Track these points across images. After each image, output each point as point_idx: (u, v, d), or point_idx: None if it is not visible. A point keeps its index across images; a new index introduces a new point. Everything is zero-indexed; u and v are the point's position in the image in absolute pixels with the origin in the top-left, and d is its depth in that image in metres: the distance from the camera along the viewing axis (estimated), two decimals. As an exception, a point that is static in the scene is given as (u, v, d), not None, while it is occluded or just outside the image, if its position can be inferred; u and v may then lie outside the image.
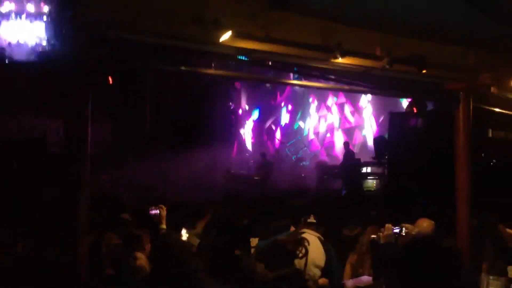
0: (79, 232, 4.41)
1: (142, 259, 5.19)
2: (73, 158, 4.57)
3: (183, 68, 4.80)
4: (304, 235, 5.82)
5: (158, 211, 5.81)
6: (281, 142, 19.84)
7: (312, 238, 5.88)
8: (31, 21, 4.21)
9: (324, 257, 5.82)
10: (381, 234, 4.82)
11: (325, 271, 5.76)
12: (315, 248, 5.83)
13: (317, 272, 5.78)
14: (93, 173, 4.65)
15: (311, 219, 5.99)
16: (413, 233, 4.80)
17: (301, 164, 18.69)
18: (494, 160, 11.19)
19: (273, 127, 20.35)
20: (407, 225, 4.91)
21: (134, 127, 19.04)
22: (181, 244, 4.33)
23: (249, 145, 20.43)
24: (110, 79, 4.86)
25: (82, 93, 4.61)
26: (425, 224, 6.03)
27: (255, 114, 20.57)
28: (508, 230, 7.86)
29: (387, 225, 4.86)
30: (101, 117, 17.93)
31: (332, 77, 6.35)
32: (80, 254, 4.40)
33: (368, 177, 16.13)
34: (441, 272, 2.07)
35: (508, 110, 7.52)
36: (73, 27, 4.21)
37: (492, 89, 6.51)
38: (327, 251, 5.88)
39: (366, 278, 4.82)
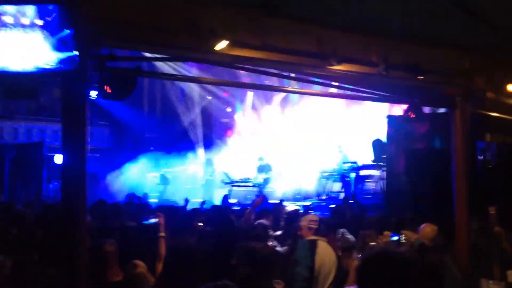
0: (78, 236, 4.39)
1: (141, 266, 5.14)
2: (71, 161, 4.54)
3: (180, 76, 4.79)
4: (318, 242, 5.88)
5: (157, 219, 5.83)
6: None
7: (324, 245, 5.93)
8: (26, 32, 4.23)
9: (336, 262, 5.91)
10: (379, 241, 4.83)
11: None
12: (330, 254, 5.90)
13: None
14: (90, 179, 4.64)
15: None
16: (412, 240, 4.79)
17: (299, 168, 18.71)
18: (492, 163, 11.21)
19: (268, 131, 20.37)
20: (406, 232, 4.91)
21: (133, 132, 19.12)
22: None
23: (247, 149, 20.44)
24: (107, 88, 4.84)
25: (79, 99, 4.59)
26: (428, 230, 6.03)
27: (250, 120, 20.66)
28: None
29: (385, 232, 4.87)
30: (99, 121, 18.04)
31: (329, 83, 6.37)
32: (80, 261, 4.36)
33: (366, 180, 16.13)
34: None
35: (505, 114, 7.54)
36: (70, 37, 4.22)
37: (488, 93, 6.53)
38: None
39: None
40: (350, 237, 5.86)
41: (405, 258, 2.08)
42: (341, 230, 5.64)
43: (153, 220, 5.90)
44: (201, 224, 6.73)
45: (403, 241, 4.80)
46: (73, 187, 4.43)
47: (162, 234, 5.81)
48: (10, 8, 4.16)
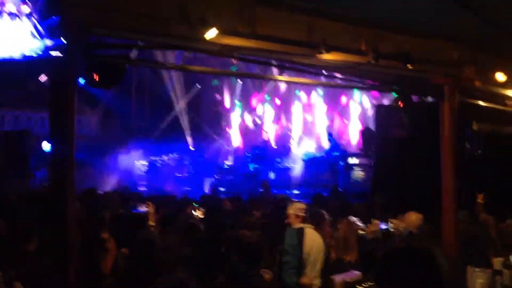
0: (67, 227, 4.38)
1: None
2: (59, 149, 4.51)
3: (168, 65, 4.76)
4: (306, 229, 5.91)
5: (146, 208, 5.82)
6: (269, 134, 19.86)
7: (311, 232, 5.97)
8: (13, 19, 4.17)
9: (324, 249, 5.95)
10: (368, 229, 4.86)
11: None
12: (318, 241, 5.93)
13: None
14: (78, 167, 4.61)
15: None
16: (400, 228, 4.84)
17: (289, 156, 18.75)
18: (479, 151, 11.29)
19: (259, 121, 20.36)
20: (394, 221, 4.95)
21: (121, 120, 19.02)
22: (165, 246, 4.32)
23: (236, 139, 20.44)
24: (96, 76, 4.81)
25: (67, 85, 4.56)
26: (413, 218, 6.08)
27: (238, 109, 20.62)
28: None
29: (373, 220, 4.90)
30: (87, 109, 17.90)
31: (318, 72, 6.37)
32: (70, 250, 4.35)
33: (355, 168, 16.20)
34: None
35: (493, 103, 7.60)
36: (58, 24, 4.17)
37: (477, 83, 6.57)
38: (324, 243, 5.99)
39: (354, 273, 4.86)
40: (362, 226, 5.80)
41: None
42: (354, 218, 5.60)
43: (142, 209, 5.90)
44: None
45: (392, 229, 4.84)
46: (61, 175, 4.41)
47: (152, 223, 5.82)
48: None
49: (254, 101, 20.42)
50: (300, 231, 5.96)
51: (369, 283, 4.34)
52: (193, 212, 6.19)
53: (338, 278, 4.61)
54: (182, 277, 2.34)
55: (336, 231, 6.01)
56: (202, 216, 6.19)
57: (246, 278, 4.23)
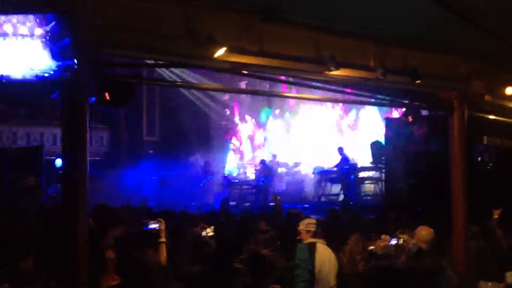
0: (78, 241, 4.40)
1: None
2: (71, 165, 4.56)
3: (178, 83, 4.82)
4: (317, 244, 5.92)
5: (157, 225, 5.81)
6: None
7: (323, 247, 5.97)
8: (26, 41, 4.26)
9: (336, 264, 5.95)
10: (378, 244, 4.85)
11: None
12: (329, 256, 5.93)
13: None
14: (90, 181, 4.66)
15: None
16: (410, 244, 4.82)
17: (298, 170, 18.73)
18: (490, 165, 11.23)
19: (266, 135, 20.42)
20: (404, 236, 4.93)
21: (132, 136, 19.13)
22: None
23: (246, 152, 20.50)
24: (107, 95, 4.88)
25: (79, 104, 4.62)
26: (423, 232, 6.04)
27: (249, 123, 20.70)
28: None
29: (383, 236, 4.89)
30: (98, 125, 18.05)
31: (327, 87, 6.40)
32: (80, 263, 4.38)
33: (365, 182, 16.15)
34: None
35: (503, 117, 7.58)
36: (69, 45, 4.25)
37: (486, 97, 6.58)
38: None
39: None
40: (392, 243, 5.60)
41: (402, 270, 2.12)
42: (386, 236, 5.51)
43: (153, 226, 5.88)
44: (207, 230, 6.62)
45: (401, 245, 4.81)
46: (73, 191, 4.46)
47: (163, 239, 5.82)
48: (9, 18, 4.20)
49: (263, 115, 20.49)
50: (311, 246, 5.97)
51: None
52: (202, 232, 6.18)
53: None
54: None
55: (345, 246, 6.00)
56: (212, 234, 6.18)
57: None
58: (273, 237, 6.41)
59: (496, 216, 7.93)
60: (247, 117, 20.66)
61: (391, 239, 4.86)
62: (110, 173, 16.97)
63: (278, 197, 10.36)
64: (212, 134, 20.47)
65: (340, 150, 17.32)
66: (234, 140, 20.73)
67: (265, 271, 4.31)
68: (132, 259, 4.39)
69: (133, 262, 4.29)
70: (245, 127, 20.68)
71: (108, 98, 4.99)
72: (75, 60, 4.35)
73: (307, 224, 6.21)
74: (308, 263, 5.86)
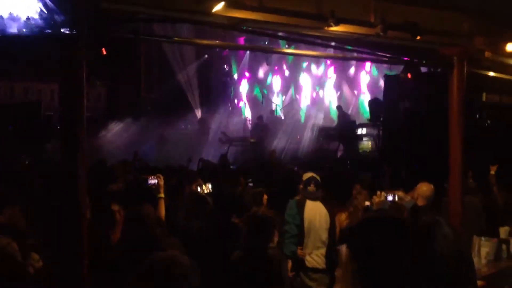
0: (79, 198, 4.44)
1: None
2: (69, 121, 4.57)
3: (176, 39, 4.77)
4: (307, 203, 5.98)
5: (156, 181, 5.85)
6: (276, 104, 19.84)
7: (312, 203, 6.05)
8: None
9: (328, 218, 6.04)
10: (373, 200, 4.92)
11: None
12: (320, 211, 6.01)
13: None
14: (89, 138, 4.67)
15: (312, 188, 6.10)
16: (406, 200, 4.89)
17: (296, 126, 18.74)
18: (488, 122, 11.27)
19: (266, 91, 20.33)
20: (399, 193, 5.00)
21: (129, 93, 19.05)
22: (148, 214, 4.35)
23: (244, 108, 20.46)
24: (104, 50, 4.84)
25: (76, 60, 4.59)
26: (424, 188, 6.14)
27: (246, 80, 20.57)
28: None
29: (379, 192, 4.95)
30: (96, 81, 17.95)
31: (327, 43, 6.34)
32: (81, 221, 4.43)
33: (363, 139, 16.20)
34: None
35: (502, 74, 7.55)
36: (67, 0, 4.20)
37: (486, 53, 6.52)
38: (331, 216, 6.08)
39: None
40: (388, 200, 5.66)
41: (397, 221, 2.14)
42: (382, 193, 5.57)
43: (152, 181, 5.92)
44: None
45: (397, 201, 4.88)
46: (72, 148, 4.47)
47: (162, 195, 5.88)
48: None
49: (261, 72, 20.35)
50: (301, 201, 6.05)
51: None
52: (198, 188, 6.18)
53: (344, 247, 4.65)
54: (174, 254, 2.36)
55: (353, 199, 6.07)
56: (209, 191, 6.20)
57: (263, 252, 4.26)
58: (260, 192, 6.44)
59: (492, 172, 8.02)
60: (247, 74, 20.54)
61: (387, 195, 4.92)
62: (108, 130, 16.99)
63: (274, 153, 10.44)
64: (211, 91, 20.39)
65: (339, 108, 17.32)
66: (233, 96, 20.66)
67: (267, 233, 4.35)
68: (131, 214, 4.45)
69: (133, 216, 4.35)
70: (244, 83, 20.58)
71: (105, 53, 4.96)
72: (73, 15, 4.31)
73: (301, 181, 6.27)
74: (296, 219, 5.97)
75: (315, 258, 6.00)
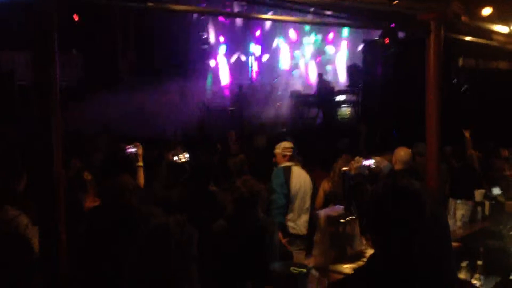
0: (54, 170, 4.38)
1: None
2: (42, 90, 4.48)
3: (150, 4, 4.65)
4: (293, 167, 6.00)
5: (135, 149, 5.81)
6: (256, 72, 19.73)
7: (298, 170, 6.06)
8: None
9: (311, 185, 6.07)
10: (351, 165, 4.94)
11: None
12: (305, 178, 6.03)
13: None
14: (63, 108, 4.58)
15: (289, 152, 6.13)
16: (382, 166, 4.93)
17: (276, 94, 18.71)
18: (465, 86, 11.36)
19: (245, 59, 20.16)
20: (377, 158, 5.04)
21: (106, 62, 18.73)
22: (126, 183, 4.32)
23: (223, 76, 20.30)
24: (76, 16, 4.72)
25: (47, 26, 4.47)
26: (402, 153, 6.20)
27: (224, 47, 20.34)
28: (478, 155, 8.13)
29: (357, 157, 4.98)
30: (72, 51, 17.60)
31: (304, 8, 6.26)
32: (57, 193, 4.38)
33: (342, 105, 16.26)
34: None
35: (479, 39, 7.56)
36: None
37: (463, 18, 6.51)
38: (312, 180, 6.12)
39: (338, 208, 4.98)
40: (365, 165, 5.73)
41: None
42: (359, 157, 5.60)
43: (131, 150, 5.88)
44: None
45: (374, 166, 4.92)
46: (46, 117, 4.39)
47: (140, 163, 5.85)
48: None
49: (240, 38, 20.15)
50: (287, 169, 6.05)
51: (351, 217, 4.46)
52: (174, 158, 6.14)
53: (323, 212, 4.72)
54: (167, 222, 2.30)
55: (335, 164, 6.10)
56: (185, 160, 6.16)
57: (255, 221, 4.25)
58: (242, 160, 6.45)
59: (468, 135, 8.11)
60: (221, 38, 20.30)
61: (364, 160, 4.96)
62: (85, 100, 16.76)
63: (247, 122, 10.49)
64: (189, 59, 20.16)
65: (320, 75, 17.32)
66: (212, 64, 20.47)
67: (259, 202, 4.33)
68: (110, 182, 4.42)
69: (111, 184, 4.32)
70: (223, 50, 20.37)
71: (77, 19, 4.85)
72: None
73: (283, 148, 6.25)
74: (284, 187, 5.95)
75: (299, 225, 6.04)
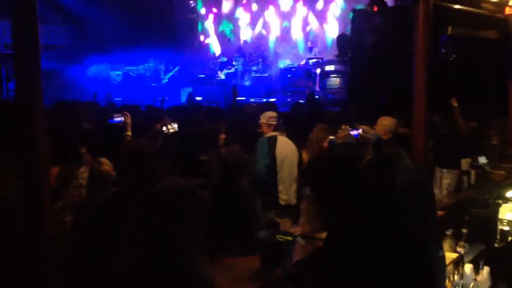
0: (38, 141, 4.31)
1: (107, 164, 5.14)
2: (23, 58, 4.38)
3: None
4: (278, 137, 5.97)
5: (122, 118, 5.74)
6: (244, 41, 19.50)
7: (284, 139, 6.04)
8: None
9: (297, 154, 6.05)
10: (338, 135, 4.91)
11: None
12: (291, 148, 6.01)
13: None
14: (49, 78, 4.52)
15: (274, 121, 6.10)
16: (369, 134, 4.90)
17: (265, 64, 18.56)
18: (453, 56, 11.29)
19: (233, 27, 19.90)
20: (363, 127, 5.00)
21: (94, 31, 18.46)
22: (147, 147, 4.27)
23: (211, 45, 20.08)
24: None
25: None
26: (385, 122, 6.17)
27: (211, 18, 20.06)
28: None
29: (343, 126, 4.95)
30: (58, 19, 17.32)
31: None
32: (41, 160, 4.32)
33: (331, 76, 16.15)
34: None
35: (469, 7, 7.51)
36: None
37: (452, -15, 6.45)
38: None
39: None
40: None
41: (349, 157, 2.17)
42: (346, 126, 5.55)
43: (118, 119, 5.80)
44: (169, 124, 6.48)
45: (361, 134, 4.89)
46: (28, 86, 4.30)
47: (129, 133, 5.78)
48: None
49: (228, 7, 19.85)
50: (272, 139, 6.02)
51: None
52: (163, 128, 6.06)
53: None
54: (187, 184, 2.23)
55: (310, 134, 6.07)
56: (173, 130, 6.09)
57: (237, 189, 4.23)
58: (215, 129, 6.39)
59: (455, 104, 8.10)
60: (214, 9, 20.03)
61: (351, 129, 4.92)
62: (71, 68, 16.56)
63: (235, 91, 10.46)
64: (177, 28, 19.90)
65: (310, 48, 17.19)
66: (200, 33, 20.22)
67: (241, 171, 4.31)
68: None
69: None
70: (211, 18, 20.10)
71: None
72: None
73: (268, 118, 6.21)
74: (266, 158, 5.93)
75: (289, 194, 6.04)
